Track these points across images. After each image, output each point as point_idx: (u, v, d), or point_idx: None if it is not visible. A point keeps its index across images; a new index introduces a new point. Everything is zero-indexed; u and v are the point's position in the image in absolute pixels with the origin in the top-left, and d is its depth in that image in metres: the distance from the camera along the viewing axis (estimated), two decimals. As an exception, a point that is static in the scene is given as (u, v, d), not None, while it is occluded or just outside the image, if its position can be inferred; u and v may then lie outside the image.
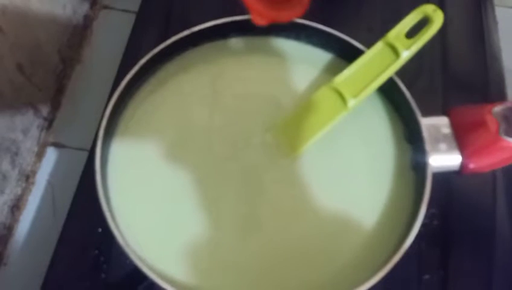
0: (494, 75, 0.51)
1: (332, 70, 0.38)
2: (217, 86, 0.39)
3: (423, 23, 0.35)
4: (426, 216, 0.42)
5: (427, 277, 0.41)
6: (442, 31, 0.53)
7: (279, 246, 0.33)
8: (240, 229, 0.34)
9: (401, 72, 0.36)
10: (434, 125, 0.35)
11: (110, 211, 0.32)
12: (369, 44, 0.36)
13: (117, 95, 0.35)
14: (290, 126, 0.36)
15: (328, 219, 0.34)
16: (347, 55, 0.38)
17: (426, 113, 0.36)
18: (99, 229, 0.41)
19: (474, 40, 0.54)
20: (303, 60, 0.40)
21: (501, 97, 0.50)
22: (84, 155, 0.47)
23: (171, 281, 0.30)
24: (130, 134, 0.36)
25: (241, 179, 0.35)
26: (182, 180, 0.35)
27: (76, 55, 0.58)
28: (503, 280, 0.41)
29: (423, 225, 0.42)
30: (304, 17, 0.39)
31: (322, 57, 0.40)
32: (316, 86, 0.38)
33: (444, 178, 0.43)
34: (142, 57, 0.37)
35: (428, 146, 0.34)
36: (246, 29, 0.40)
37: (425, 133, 0.34)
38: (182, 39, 0.38)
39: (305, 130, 0.36)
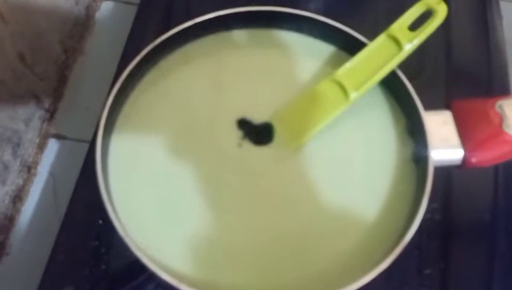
0: (498, 68, 0.51)
1: (334, 62, 0.38)
2: (219, 78, 0.39)
3: (427, 15, 0.34)
4: (428, 211, 0.42)
5: (428, 271, 0.41)
6: (446, 25, 0.53)
7: (279, 236, 0.33)
8: (241, 220, 0.34)
9: (404, 65, 0.36)
10: (436, 118, 0.34)
11: (111, 201, 0.32)
12: (374, 37, 0.36)
13: (119, 85, 0.34)
14: (291, 117, 0.36)
15: (328, 210, 0.34)
16: (349, 47, 0.38)
17: (429, 106, 0.36)
18: (100, 221, 0.42)
19: (478, 33, 0.53)
20: (305, 52, 0.40)
21: (505, 91, 0.50)
22: (86, 147, 0.47)
23: (171, 272, 0.30)
24: (131, 125, 0.36)
25: (242, 169, 0.35)
26: (183, 171, 0.35)
27: (78, 46, 0.58)
28: (504, 275, 0.41)
29: (425, 220, 0.42)
30: (307, 9, 0.39)
31: (324, 49, 0.40)
32: (318, 78, 0.38)
33: (446, 173, 0.43)
34: (144, 48, 0.37)
35: (430, 140, 0.34)
36: (248, 21, 0.40)
37: (427, 127, 0.34)
38: (184, 30, 0.38)
39: (306, 121, 0.35)
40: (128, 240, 0.30)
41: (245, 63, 0.40)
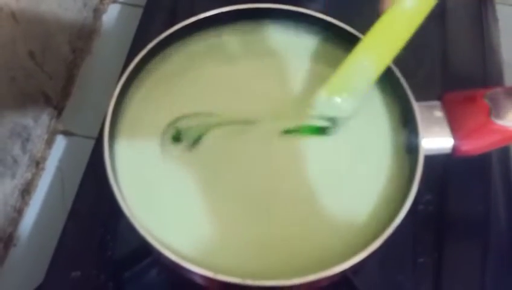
0: (492, 68, 0.52)
1: (330, 61, 0.39)
2: (222, 77, 0.40)
3: None
4: (422, 202, 0.44)
5: (421, 260, 0.42)
6: (442, 26, 0.55)
7: (279, 223, 0.34)
8: (243, 208, 0.35)
9: (401, 64, 0.37)
10: (427, 109, 0.36)
11: (117, 184, 0.33)
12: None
13: (126, 75, 0.36)
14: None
15: (321, 198, 0.35)
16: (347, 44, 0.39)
17: (424, 102, 0.37)
18: (106, 209, 0.43)
19: (474, 34, 0.55)
20: (306, 53, 0.41)
21: (498, 89, 0.51)
22: (92, 143, 0.48)
23: (176, 253, 0.31)
24: (136, 120, 0.38)
25: (242, 168, 0.36)
26: (187, 162, 0.36)
27: (86, 46, 0.60)
28: (497, 264, 0.42)
29: (419, 210, 0.43)
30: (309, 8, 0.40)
31: (326, 50, 0.41)
32: (319, 77, 0.38)
33: (439, 164, 0.44)
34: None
35: (421, 129, 0.35)
36: (250, 18, 0.41)
37: (418, 117, 0.35)
38: (187, 26, 0.39)
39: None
40: (133, 220, 0.31)
41: (248, 62, 0.41)
